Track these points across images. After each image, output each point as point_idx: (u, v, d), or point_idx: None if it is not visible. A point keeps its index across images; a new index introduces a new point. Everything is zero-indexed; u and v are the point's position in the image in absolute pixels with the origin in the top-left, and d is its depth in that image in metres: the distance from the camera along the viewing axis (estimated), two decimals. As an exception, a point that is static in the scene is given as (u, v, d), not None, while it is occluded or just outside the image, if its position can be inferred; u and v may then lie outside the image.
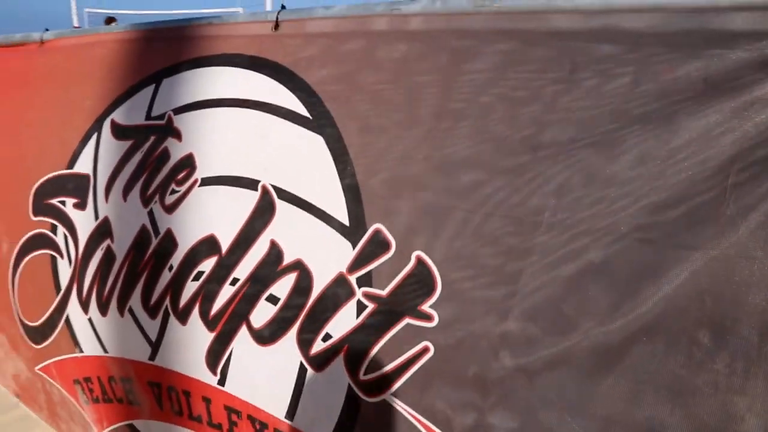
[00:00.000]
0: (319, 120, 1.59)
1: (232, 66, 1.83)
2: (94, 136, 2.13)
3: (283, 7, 1.83)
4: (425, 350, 1.38)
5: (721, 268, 1.10)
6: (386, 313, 1.43)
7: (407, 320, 1.40)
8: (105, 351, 2.10)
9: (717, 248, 1.10)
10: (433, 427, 1.39)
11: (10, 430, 2.90)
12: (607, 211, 1.20)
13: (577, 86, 1.27)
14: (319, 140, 1.58)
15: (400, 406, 1.43)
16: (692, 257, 1.12)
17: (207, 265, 1.77)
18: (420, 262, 1.39)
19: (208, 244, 1.77)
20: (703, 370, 1.11)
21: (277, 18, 1.78)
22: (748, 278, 1.07)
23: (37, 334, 2.34)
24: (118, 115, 2.08)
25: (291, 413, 1.63)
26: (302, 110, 1.63)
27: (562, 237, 1.23)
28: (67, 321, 2.21)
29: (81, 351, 2.19)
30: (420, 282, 1.38)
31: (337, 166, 1.54)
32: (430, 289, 1.37)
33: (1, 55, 2.81)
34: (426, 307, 1.37)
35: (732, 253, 1.09)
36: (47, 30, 2.58)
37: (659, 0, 1.21)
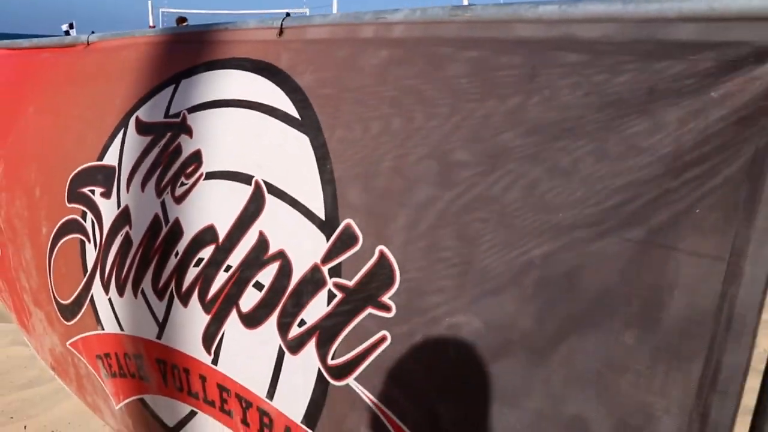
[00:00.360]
0: (307, 121, 1.70)
1: (239, 69, 1.96)
2: (121, 132, 2.32)
3: (287, 14, 1.95)
4: (383, 339, 1.46)
5: (649, 271, 1.14)
6: (352, 303, 1.52)
7: (369, 310, 1.49)
8: (121, 329, 2.27)
9: (648, 250, 1.14)
10: (389, 413, 1.47)
11: (47, 400, 3.17)
12: (550, 210, 1.25)
13: (537, 93, 1.33)
14: (305, 140, 1.69)
15: (361, 391, 1.51)
16: (623, 258, 1.16)
17: (206, 253, 1.91)
18: (382, 255, 1.47)
19: (209, 233, 1.91)
20: (626, 370, 1.15)
21: (281, 25, 1.91)
22: (673, 281, 1.11)
23: (68, 312, 2.55)
24: (142, 113, 2.25)
25: (271, 393, 1.74)
26: (293, 111, 1.75)
27: (509, 234, 1.29)
28: (92, 300, 2.40)
29: (102, 328, 2.38)
30: (382, 274, 1.47)
31: (318, 165, 1.65)
32: (390, 282, 1.45)
33: (54, 54, 3.07)
34: (385, 298, 1.45)
35: (661, 256, 1.12)
36: (93, 32, 2.82)
37: (613, 10, 1.25)
